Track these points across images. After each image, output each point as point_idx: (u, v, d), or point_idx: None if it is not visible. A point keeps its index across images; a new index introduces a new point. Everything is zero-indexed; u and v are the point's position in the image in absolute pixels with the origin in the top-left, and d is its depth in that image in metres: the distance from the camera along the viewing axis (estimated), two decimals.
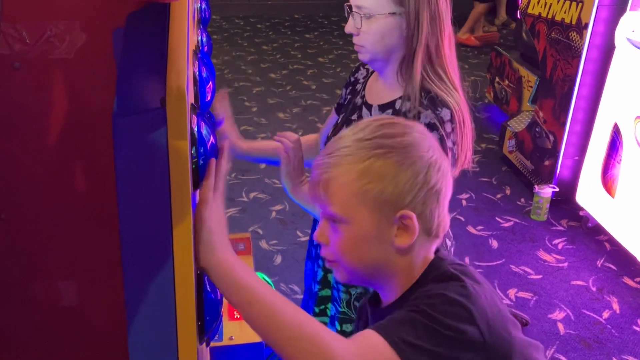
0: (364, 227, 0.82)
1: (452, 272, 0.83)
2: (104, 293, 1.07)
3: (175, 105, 0.73)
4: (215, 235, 0.81)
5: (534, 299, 2.58)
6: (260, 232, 2.98)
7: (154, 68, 0.78)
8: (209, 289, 0.85)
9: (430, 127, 1.17)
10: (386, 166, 0.81)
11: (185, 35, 0.82)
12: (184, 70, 0.76)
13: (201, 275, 0.84)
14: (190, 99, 0.84)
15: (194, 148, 0.80)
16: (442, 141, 1.17)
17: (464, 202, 3.27)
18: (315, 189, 0.85)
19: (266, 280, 2.05)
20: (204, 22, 1.36)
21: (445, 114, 1.20)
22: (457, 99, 1.23)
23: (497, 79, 4.12)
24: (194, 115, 0.82)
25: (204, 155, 0.83)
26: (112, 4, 1.01)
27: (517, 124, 3.61)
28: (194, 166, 0.80)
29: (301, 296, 2.27)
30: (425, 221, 0.83)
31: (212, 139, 0.86)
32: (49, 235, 1.10)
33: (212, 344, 1.46)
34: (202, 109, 0.96)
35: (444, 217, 0.86)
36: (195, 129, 0.80)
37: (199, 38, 1.25)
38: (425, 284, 0.84)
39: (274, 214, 3.15)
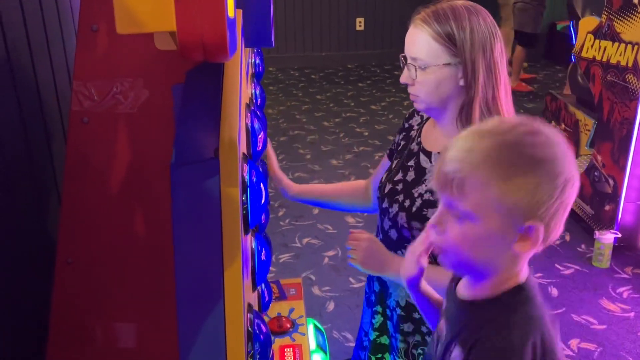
0: (489, 229, 0.82)
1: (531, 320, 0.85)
2: (161, 335, 1.11)
3: (227, 155, 0.78)
4: None
5: (598, 350, 2.46)
6: (313, 278, 2.99)
7: (209, 121, 0.84)
8: (257, 330, 0.88)
9: None
10: (527, 178, 0.80)
11: (238, 90, 0.88)
12: (236, 122, 0.82)
13: (251, 317, 0.87)
14: (243, 148, 0.89)
15: (244, 195, 0.84)
16: None
17: None
18: (445, 182, 0.84)
19: (319, 328, 2.04)
20: (257, 76, 1.43)
21: None
22: None
23: (553, 123, 4.06)
24: (245, 164, 0.86)
25: (254, 202, 0.87)
26: (172, 62, 1.09)
27: None
28: (244, 212, 0.84)
29: (354, 344, 2.25)
30: (547, 232, 0.83)
31: (262, 186, 0.90)
32: (111, 278, 1.16)
33: None
34: (254, 157, 1.01)
35: (560, 228, 0.85)
36: (247, 177, 0.84)
37: (253, 91, 1.32)
38: (508, 312, 0.86)
39: (326, 259, 3.16)
